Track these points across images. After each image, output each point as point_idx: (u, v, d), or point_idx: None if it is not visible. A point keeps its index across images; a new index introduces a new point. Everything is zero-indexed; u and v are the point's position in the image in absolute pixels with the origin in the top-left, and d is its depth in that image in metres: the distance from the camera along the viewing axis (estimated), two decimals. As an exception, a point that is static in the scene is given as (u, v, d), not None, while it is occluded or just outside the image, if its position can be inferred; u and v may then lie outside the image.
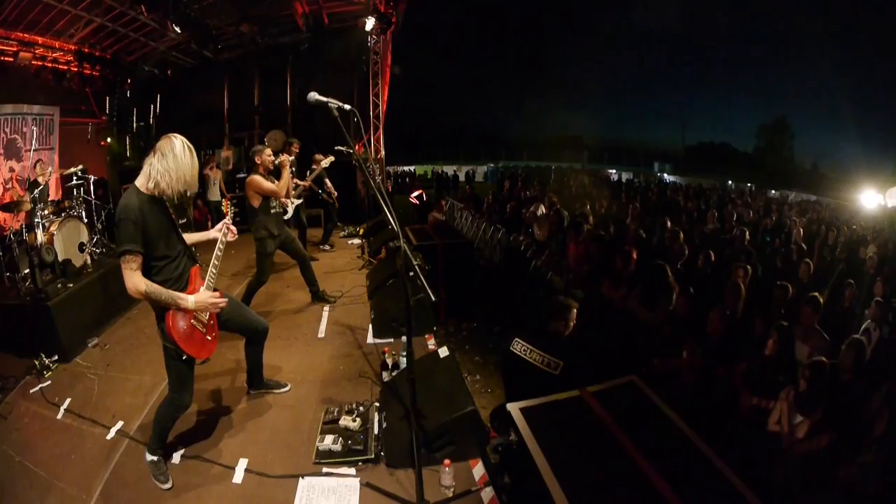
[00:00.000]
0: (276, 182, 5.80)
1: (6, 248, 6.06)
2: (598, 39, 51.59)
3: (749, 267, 6.23)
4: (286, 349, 5.31)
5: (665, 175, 34.36)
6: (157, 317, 3.18)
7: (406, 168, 32.82)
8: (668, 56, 49.22)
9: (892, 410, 3.60)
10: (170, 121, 12.09)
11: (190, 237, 3.50)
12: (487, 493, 3.26)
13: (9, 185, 8.42)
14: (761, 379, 4.50)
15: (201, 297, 3.22)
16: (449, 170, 31.90)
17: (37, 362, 4.95)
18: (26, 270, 5.81)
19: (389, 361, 4.57)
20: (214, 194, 11.40)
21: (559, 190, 14.46)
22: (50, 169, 7.18)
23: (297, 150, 8.06)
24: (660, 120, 54.82)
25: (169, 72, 12.31)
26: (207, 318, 3.35)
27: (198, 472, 3.50)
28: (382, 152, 14.22)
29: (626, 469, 2.80)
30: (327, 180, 9.06)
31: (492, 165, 35.92)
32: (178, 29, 9.85)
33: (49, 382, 4.80)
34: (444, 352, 4.32)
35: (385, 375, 4.52)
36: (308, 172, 8.49)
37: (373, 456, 3.55)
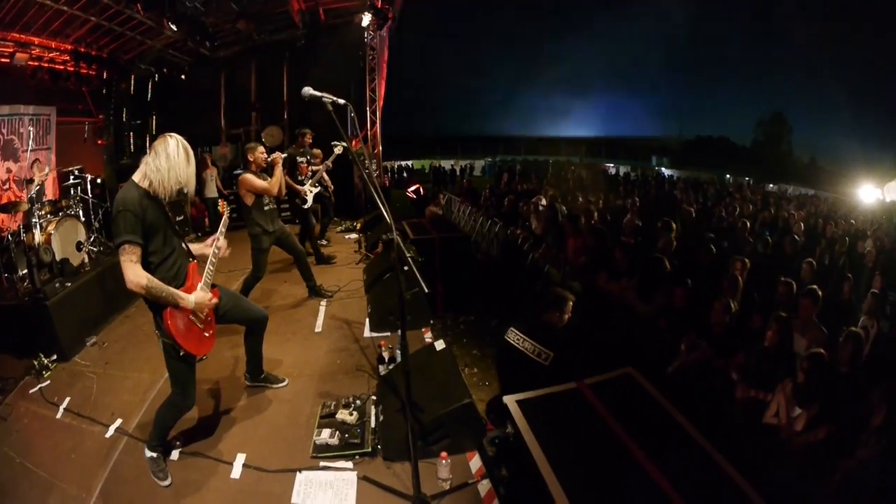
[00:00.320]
0: (269, 179, 5.80)
1: (4, 248, 6.06)
2: (596, 33, 51.34)
3: (747, 260, 6.23)
4: (283, 344, 5.34)
5: (663, 169, 34.24)
6: (154, 313, 3.19)
7: (404, 163, 32.70)
8: (666, 50, 48.90)
9: (890, 404, 3.59)
10: (166, 118, 12.12)
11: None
12: (484, 486, 3.28)
13: (6, 187, 8.42)
14: (759, 371, 4.51)
15: (201, 297, 3.24)
16: (446, 164, 31.84)
17: (36, 362, 4.96)
18: (24, 271, 5.80)
19: (386, 355, 4.59)
20: (211, 191, 11.43)
21: (556, 183, 14.44)
22: (47, 169, 7.17)
23: (311, 141, 8.00)
24: (658, 114, 54.63)
25: (165, 70, 12.28)
26: (205, 314, 3.37)
27: (196, 468, 3.52)
28: (380, 147, 14.22)
29: (624, 461, 2.80)
30: (325, 174, 9.04)
31: (489, 159, 35.74)
32: (174, 27, 9.83)
33: (48, 382, 4.81)
34: (440, 345, 4.34)
35: (382, 369, 4.55)
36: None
37: (370, 449, 3.58)
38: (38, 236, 6.16)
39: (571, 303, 4.16)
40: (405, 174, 27.97)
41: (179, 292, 3.14)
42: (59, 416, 4.28)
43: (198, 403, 4.15)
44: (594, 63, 50.94)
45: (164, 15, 9.38)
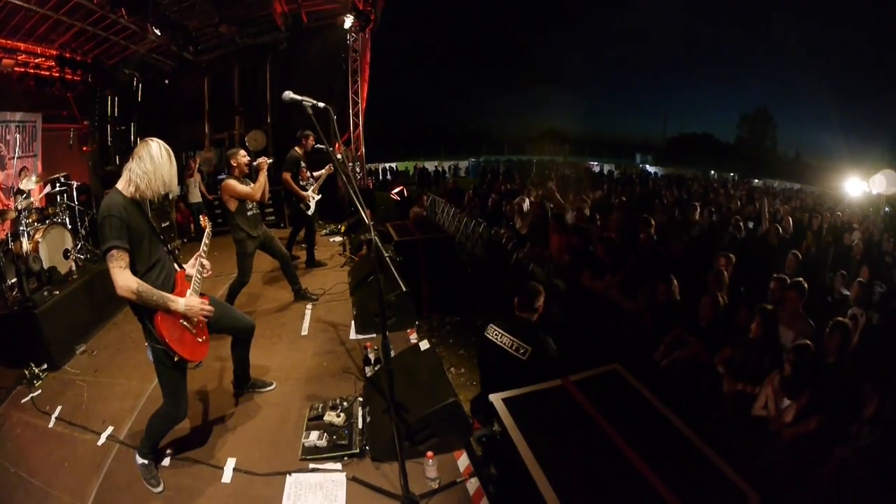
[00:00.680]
0: (252, 185, 5.83)
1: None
2: (578, 32, 51.55)
3: (732, 255, 6.27)
4: (270, 348, 5.39)
5: (647, 166, 34.41)
6: (143, 321, 3.19)
7: (388, 165, 32.68)
8: (648, 47, 49.11)
9: (881, 394, 3.60)
10: (150, 123, 12.03)
11: None
12: (473, 484, 3.33)
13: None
14: (745, 364, 4.53)
15: (191, 301, 3.24)
16: (430, 165, 31.80)
17: (27, 372, 4.97)
18: (13, 279, 5.80)
19: (372, 356, 4.65)
20: (195, 196, 11.40)
21: (540, 183, 14.52)
22: (34, 177, 7.16)
23: (313, 143, 7.83)
24: (641, 111, 54.90)
25: (149, 74, 12.26)
26: (196, 319, 3.36)
27: (188, 474, 3.57)
28: (363, 149, 14.27)
29: (612, 457, 2.79)
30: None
31: (473, 160, 35.79)
32: (157, 31, 9.84)
33: (39, 391, 4.83)
34: (424, 345, 4.40)
35: (368, 370, 4.61)
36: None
37: (358, 450, 3.63)
38: (26, 245, 6.13)
39: (542, 296, 4.06)
40: (389, 176, 27.97)
41: (171, 295, 3.15)
42: (51, 425, 4.30)
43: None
44: (577, 61, 51.18)
45: (148, 19, 9.38)
